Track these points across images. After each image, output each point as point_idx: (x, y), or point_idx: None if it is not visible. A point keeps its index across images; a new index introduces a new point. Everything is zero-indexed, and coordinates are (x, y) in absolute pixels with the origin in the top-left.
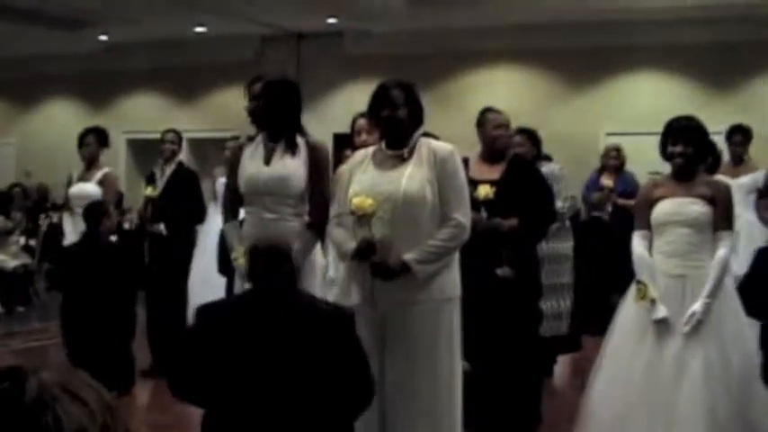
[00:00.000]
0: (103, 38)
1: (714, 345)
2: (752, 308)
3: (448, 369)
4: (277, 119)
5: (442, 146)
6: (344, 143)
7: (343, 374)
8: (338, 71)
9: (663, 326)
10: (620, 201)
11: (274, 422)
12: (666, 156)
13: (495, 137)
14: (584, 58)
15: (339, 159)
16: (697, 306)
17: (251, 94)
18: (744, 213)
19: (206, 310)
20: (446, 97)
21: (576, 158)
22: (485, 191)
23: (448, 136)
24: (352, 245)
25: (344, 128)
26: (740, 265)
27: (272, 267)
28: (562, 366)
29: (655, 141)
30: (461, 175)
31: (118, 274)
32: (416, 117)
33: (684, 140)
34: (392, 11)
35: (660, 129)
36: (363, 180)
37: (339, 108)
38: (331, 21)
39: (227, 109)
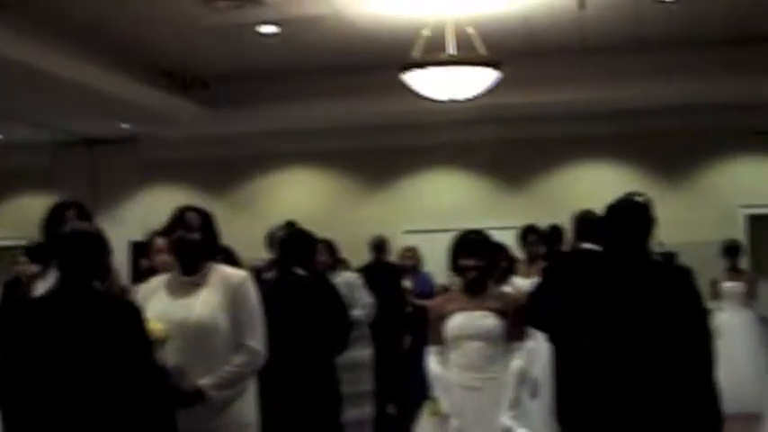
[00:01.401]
0: None
1: None
2: (531, 319)
3: None
4: None
5: (235, 273)
6: (141, 251)
7: (130, 367)
8: (134, 177)
9: None
10: (418, 302)
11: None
12: (457, 269)
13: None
14: (379, 158)
15: (136, 267)
16: (504, 420)
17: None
18: None
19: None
20: (244, 201)
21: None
22: None
23: (246, 241)
24: None
25: (141, 235)
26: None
27: (78, 255)
28: None
29: (451, 238)
30: (254, 300)
31: None
32: (210, 244)
33: (476, 254)
34: (185, 116)
35: (457, 225)
36: (157, 308)
37: (136, 215)
38: (124, 126)
39: (22, 216)
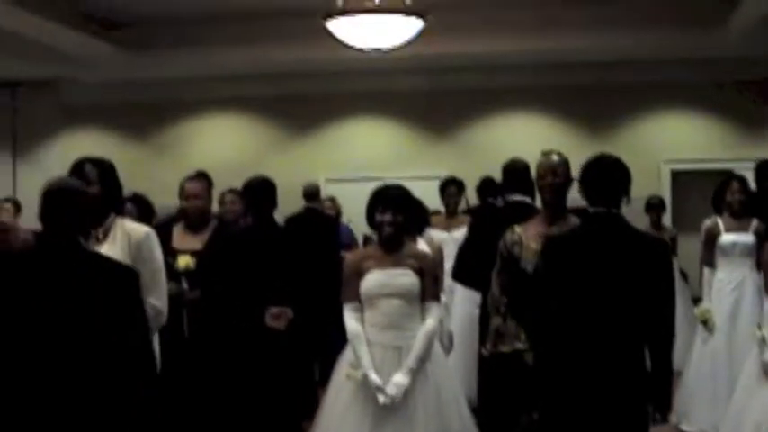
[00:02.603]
0: None
1: (433, 415)
2: (456, 274)
3: None
4: None
5: (137, 228)
6: None
7: (125, 334)
8: (55, 121)
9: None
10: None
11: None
12: (374, 224)
13: (184, 208)
14: (302, 106)
15: None
16: (399, 377)
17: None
18: None
19: None
20: (164, 146)
21: (296, 207)
22: (185, 261)
23: (167, 187)
24: None
25: None
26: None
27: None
28: None
29: (374, 187)
30: (157, 257)
31: None
32: (111, 196)
33: (394, 209)
34: (107, 60)
35: (381, 175)
36: None
37: (55, 158)
38: (46, 69)
39: None
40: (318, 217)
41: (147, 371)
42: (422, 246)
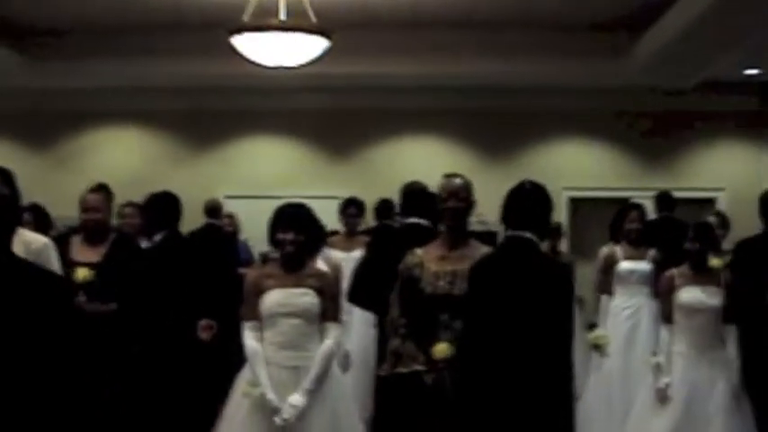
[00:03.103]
0: None
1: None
2: (351, 296)
3: None
4: None
5: (35, 238)
6: None
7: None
8: None
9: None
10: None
11: None
12: (275, 243)
13: (83, 220)
14: (203, 120)
15: None
16: (295, 398)
17: None
18: None
19: None
20: (65, 157)
21: (195, 222)
22: (83, 273)
23: (67, 198)
24: None
25: None
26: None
27: None
28: None
29: (274, 205)
30: (55, 268)
31: None
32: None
33: (296, 228)
34: (6, 67)
35: (281, 193)
36: None
37: None
38: None
39: None
40: (218, 233)
41: (82, 387)
42: (320, 265)
